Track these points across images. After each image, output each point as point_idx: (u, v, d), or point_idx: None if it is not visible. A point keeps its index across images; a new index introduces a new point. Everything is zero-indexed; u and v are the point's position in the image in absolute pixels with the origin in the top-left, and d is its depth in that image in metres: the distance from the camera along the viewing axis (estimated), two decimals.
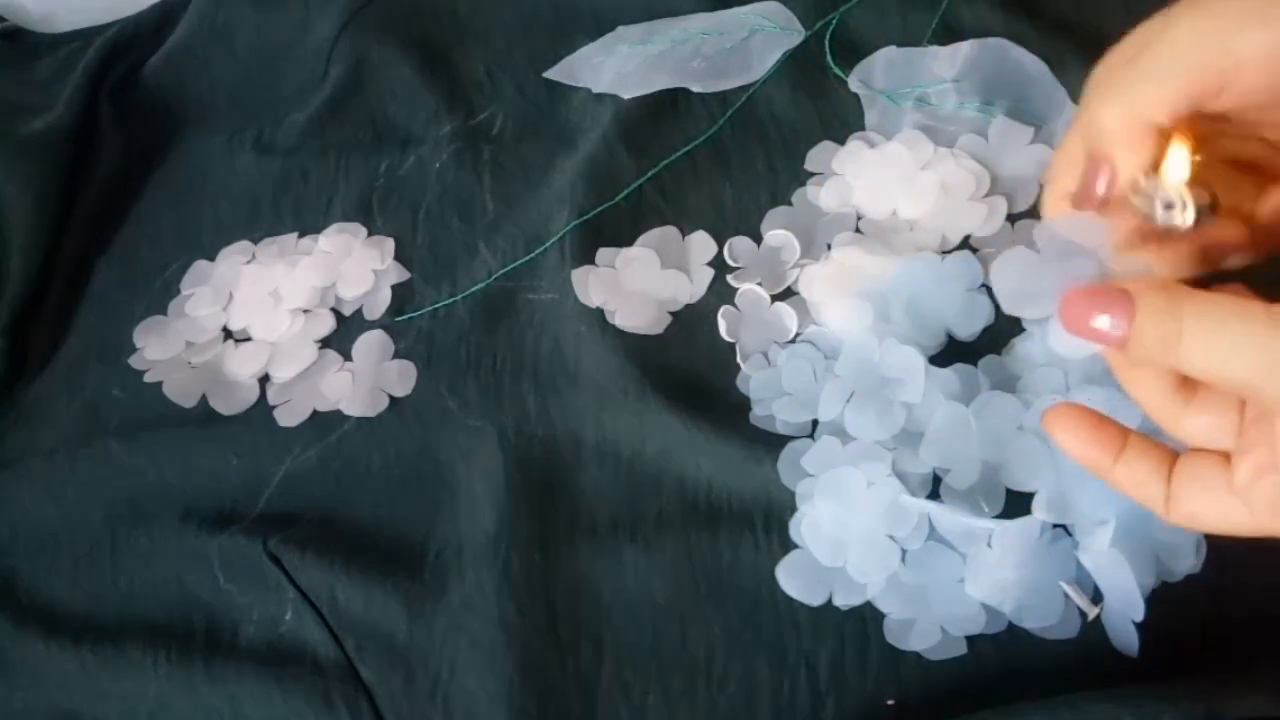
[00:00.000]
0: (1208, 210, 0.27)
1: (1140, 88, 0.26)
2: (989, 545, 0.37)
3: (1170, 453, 0.28)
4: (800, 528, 0.39)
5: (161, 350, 0.51)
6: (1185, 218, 0.26)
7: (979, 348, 0.43)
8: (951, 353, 0.43)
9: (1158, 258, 0.28)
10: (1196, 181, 0.27)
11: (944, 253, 0.45)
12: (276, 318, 0.50)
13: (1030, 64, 0.50)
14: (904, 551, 0.38)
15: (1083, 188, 0.28)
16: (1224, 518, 0.26)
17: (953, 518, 0.38)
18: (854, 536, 0.38)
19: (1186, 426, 0.27)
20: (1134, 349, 0.24)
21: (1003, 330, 0.43)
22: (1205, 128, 0.30)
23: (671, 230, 0.49)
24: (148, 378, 0.50)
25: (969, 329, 0.43)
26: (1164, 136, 0.27)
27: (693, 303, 0.47)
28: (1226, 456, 0.27)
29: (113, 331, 0.52)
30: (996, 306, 0.43)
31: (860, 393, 0.41)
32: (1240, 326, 0.23)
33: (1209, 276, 0.28)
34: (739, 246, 0.47)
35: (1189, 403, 0.27)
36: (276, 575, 0.42)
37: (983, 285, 0.44)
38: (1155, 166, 0.27)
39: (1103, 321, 0.25)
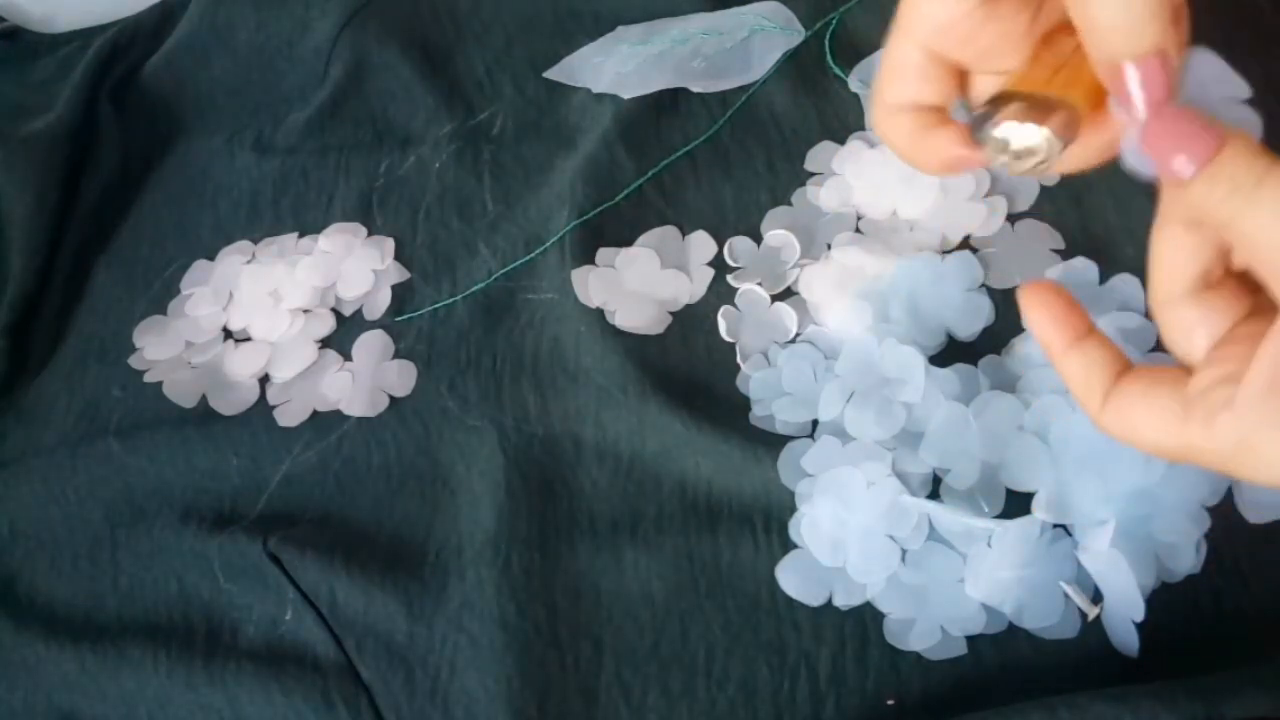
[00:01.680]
0: (1063, 135, 0.25)
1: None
2: (989, 545, 0.37)
3: (1125, 360, 0.27)
4: (800, 528, 0.39)
5: (161, 350, 0.51)
6: (1046, 166, 0.25)
7: (979, 348, 0.43)
8: (951, 353, 0.43)
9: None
10: (1037, 104, 0.25)
11: (944, 252, 0.45)
12: (276, 318, 0.50)
13: None
14: (904, 551, 0.38)
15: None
16: (1154, 423, 0.26)
17: (953, 518, 0.38)
18: (854, 536, 0.38)
19: (1176, 320, 0.26)
20: (1200, 184, 0.23)
21: (1003, 330, 0.43)
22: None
23: (671, 230, 0.49)
24: (148, 378, 0.50)
25: (969, 329, 0.43)
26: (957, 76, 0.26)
27: (693, 303, 0.47)
28: (1184, 373, 0.26)
29: (113, 331, 0.52)
30: (996, 306, 0.43)
31: (860, 393, 0.41)
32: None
33: None
34: (739, 246, 0.47)
35: (1196, 299, 0.26)
36: (276, 575, 0.42)
37: (983, 285, 0.44)
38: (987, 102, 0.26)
39: (1185, 153, 0.23)
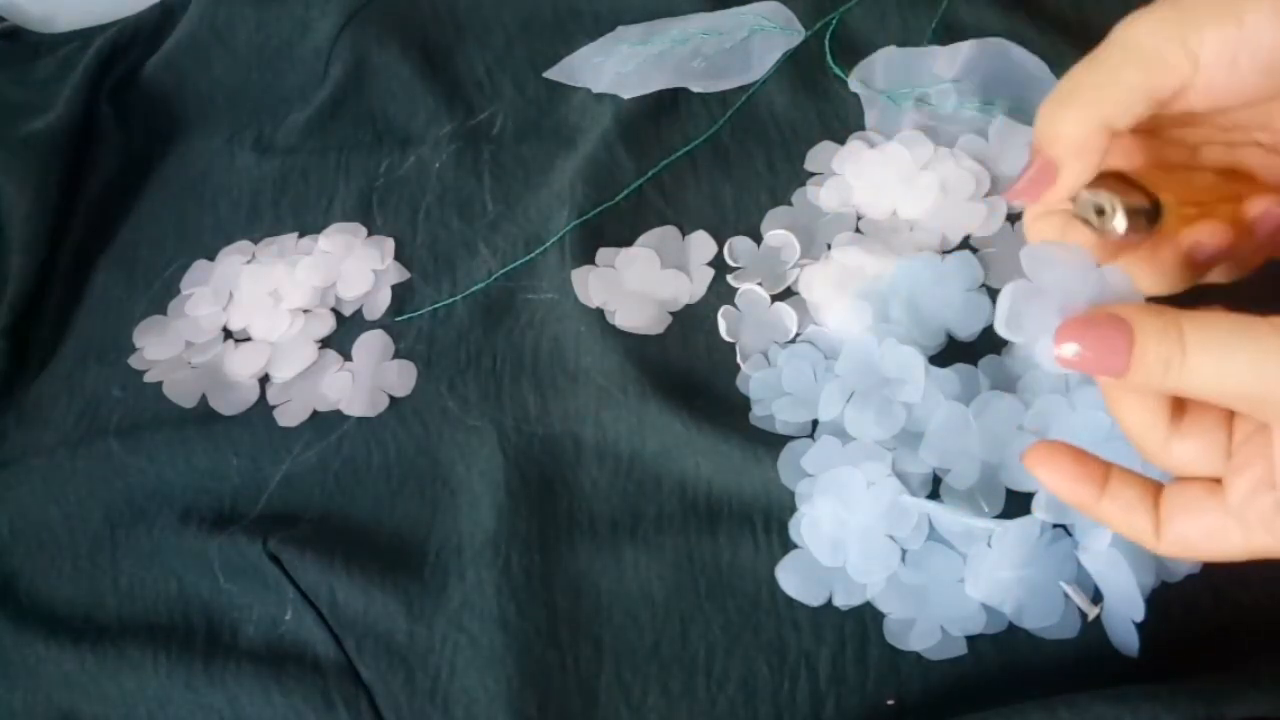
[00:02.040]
0: (1144, 215, 0.26)
1: (1094, 91, 0.26)
2: (989, 545, 0.37)
3: (1154, 484, 0.27)
4: (800, 528, 0.39)
5: (161, 350, 0.51)
6: (1115, 224, 0.26)
7: (979, 348, 0.43)
8: (951, 353, 0.43)
9: (1140, 268, 0.27)
10: (1132, 187, 0.26)
11: (944, 252, 0.45)
12: (276, 318, 0.50)
13: (1030, 64, 0.50)
14: (904, 551, 0.38)
15: (1023, 188, 0.27)
16: (1217, 540, 0.26)
17: (953, 518, 0.38)
18: (854, 536, 0.38)
19: (1174, 453, 0.27)
20: (1134, 375, 0.24)
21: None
22: (1185, 133, 0.29)
23: (671, 230, 0.49)
24: (148, 378, 0.50)
25: (969, 329, 0.43)
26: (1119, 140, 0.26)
27: (693, 303, 0.47)
28: (1214, 482, 0.26)
29: (112, 331, 0.52)
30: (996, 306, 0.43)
31: (860, 393, 0.41)
32: (1244, 341, 0.23)
33: (1190, 297, 0.27)
34: (739, 246, 0.47)
35: (1177, 429, 0.26)
36: (276, 575, 0.42)
37: (983, 285, 0.44)
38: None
39: (1101, 360, 0.24)
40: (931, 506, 0.38)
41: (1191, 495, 0.26)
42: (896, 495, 0.38)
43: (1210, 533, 0.26)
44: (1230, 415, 0.26)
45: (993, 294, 0.43)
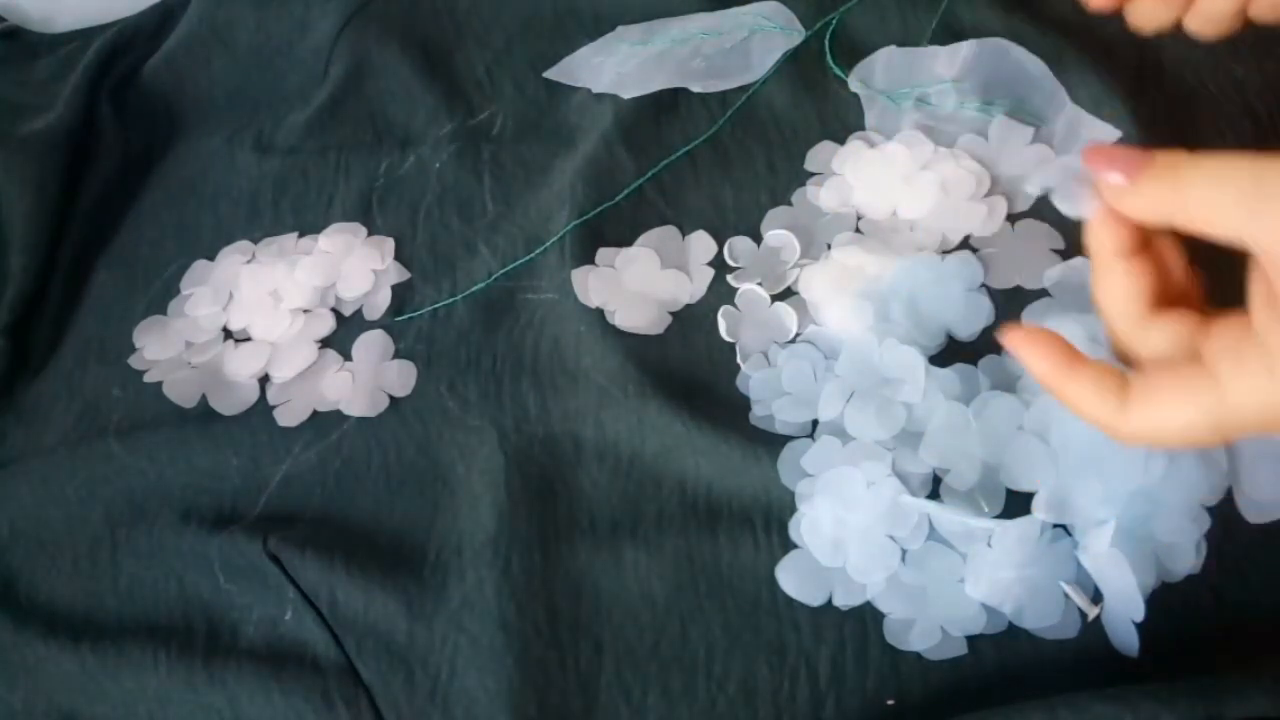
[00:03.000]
0: None
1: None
2: (989, 545, 0.37)
3: (1124, 375, 0.28)
4: (800, 528, 0.39)
5: (161, 350, 0.51)
6: None
7: (979, 348, 0.43)
8: (951, 353, 0.43)
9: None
10: None
11: (944, 252, 0.45)
12: (276, 318, 0.50)
13: (1030, 64, 0.50)
14: (904, 551, 0.38)
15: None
16: (1185, 401, 0.26)
17: (953, 517, 0.38)
18: (854, 536, 0.38)
19: (1149, 339, 0.28)
20: (1141, 194, 0.26)
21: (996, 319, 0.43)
22: None
23: (671, 230, 0.49)
24: (147, 378, 0.50)
25: (969, 329, 0.43)
26: None
27: (693, 303, 0.47)
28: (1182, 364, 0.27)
29: (112, 331, 0.52)
30: (996, 306, 0.43)
31: (860, 393, 0.41)
32: (1234, 172, 0.25)
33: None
34: (739, 246, 0.47)
35: (1154, 318, 0.28)
36: (276, 575, 0.42)
37: (983, 285, 0.44)
38: None
39: (1119, 169, 0.26)
40: (931, 506, 0.38)
41: (1159, 373, 0.27)
42: (896, 495, 0.38)
43: (1178, 392, 0.26)
44: (1206, 322, 0.27)
45: (993, 294, 0.43)
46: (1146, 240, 0.28)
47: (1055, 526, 0.37)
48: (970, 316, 0.43)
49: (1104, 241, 0.28)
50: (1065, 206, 0.28)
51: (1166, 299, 0.28)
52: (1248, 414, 0.25)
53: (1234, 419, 0.26)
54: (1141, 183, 0.26)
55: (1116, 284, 0.28)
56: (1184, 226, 0.26)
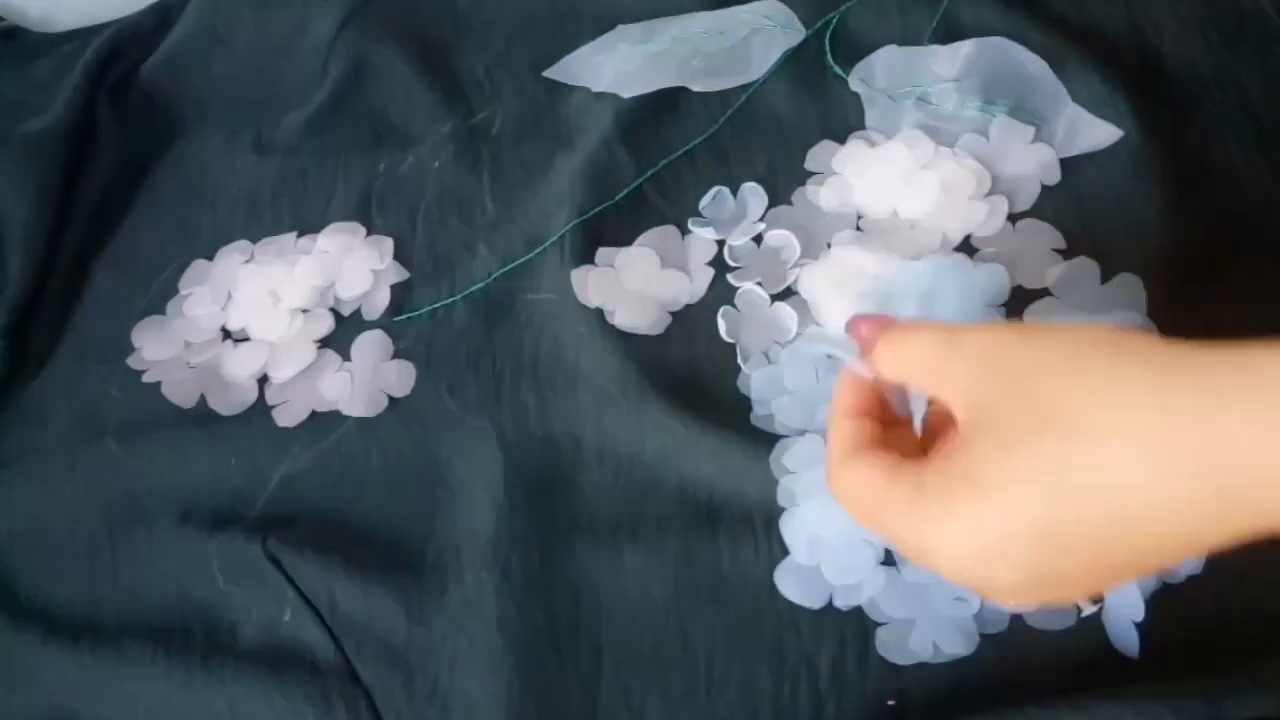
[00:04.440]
0: None
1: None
2: None
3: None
4: (783, 526, 0.39)
5: (160, 350, 0.51)
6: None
7: None
8: None
9: None
10: None
11: (957, 254, 0.44)
12: (275, 318, 0.50)
13: (1031, 63, 0.50)
14: (888, 552, 0.38)
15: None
16: (865, 480, 0.29)
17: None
18: (833, 537, 0.38)
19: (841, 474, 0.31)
20: (875, 360, 0.31)
21: None
22: None
23: (671, 230, 0.49)
24: (146, 378, 0.50)
25: None
26: None
27: (693, 303, 0.47)
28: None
29: (111, 331, 0.52)
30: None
31: None
32: (916, 339, 0.29)
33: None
34: (739, 246, 0.47)
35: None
36: (275, 575, 0.42)
37: (1003, 305, 0.43)
38: None
39: (860, 329, 0.31)
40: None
41: (884, 459, 0.30)
42: None
43: (867, 471, 0.29)
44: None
45: (1007, 314, 0.43)
46: (877, 401, 0.32)
47: None
48: None
49: (837, 398, 0.32)
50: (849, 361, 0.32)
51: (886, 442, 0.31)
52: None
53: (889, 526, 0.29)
54: (874, 351, 0.30)
55: (837, 431, 0.31)
56: (912, 385, 0.31)
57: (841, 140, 0.50)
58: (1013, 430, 0.26)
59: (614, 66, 0.55)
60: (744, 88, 0.53)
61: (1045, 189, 0.46)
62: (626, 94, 0.53)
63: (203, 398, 0.48)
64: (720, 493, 0.41)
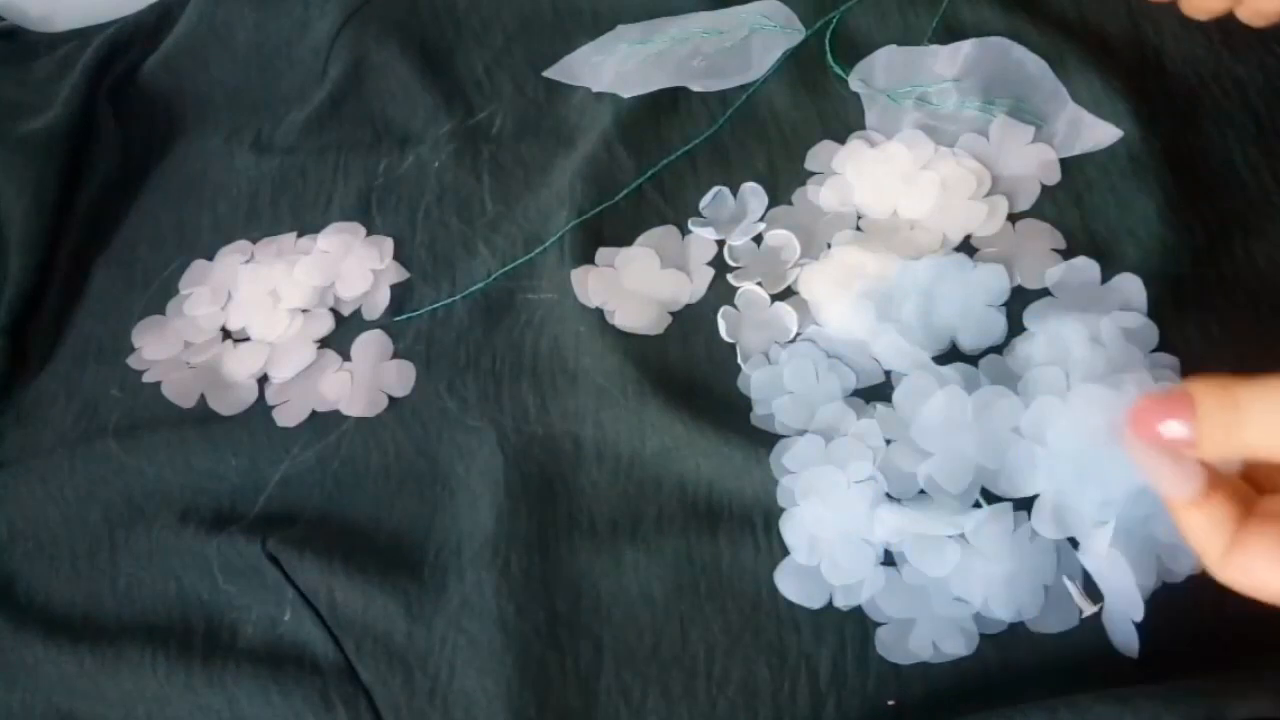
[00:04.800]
0: None
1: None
2: (987, 545, 0.37)
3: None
4: (784, 526, 0.39)
5: (160, 350, 0.51)
6: None
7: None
8: (952, 352, 0.42)
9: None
10: None
11: (955, 254, 0.44)
12: (275, 317, 0.50)
13: (1031, 63, 0.50)
14: (899, 553, 0.38)
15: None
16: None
17: (941, 518, 0.37)
18: (833, 537, 0.38)
19: (1233, 563, 0.28)
20: (1202, 443, 0.26)
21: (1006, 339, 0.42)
22: None
23: (671, 230, 0.49)
24: (146, 378, 0.50)
25: (976, 343, 0.42)
26: None
27: (693, 303, 0.47)
28: None
29: (111, 331, 0.52)
30: (1010, 327, 0.42)
31: (860, 391, 0.41)
32: (1248, 404, 0.25)
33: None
34: (739, 246, 0.47)
35: (1238, 543, 0.27)
36: (275, 575, 0.42)
37: (1004, 304, 0.43)
38: None
39: (1171, 427, 0.26)
40: (919, 507, 0.38)
41: (1264, 530, 0.27)
42: (878, 496, 0.38)
43: (1271, 561, 0.26)
44: None
45: (1009, 313, 0.42)
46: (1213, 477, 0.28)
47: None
48: (983, 332, 0.42)
49: (1175, 491, 0.28)
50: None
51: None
52: None
53: None
54: (1200, 437, 0.26)
55: (1195, 523, 0.28)
56: (1251, 458, 0.26)
57: (841, 140, 0.50)
58: None
59: (614, 66, 0.55)
60: (744, 88, 0.53)
61: (1045, 189, 0.46)
62: (626, 94, 0.53)
63: (203, 398, 0.48)
64: (720, 492, 0.41)
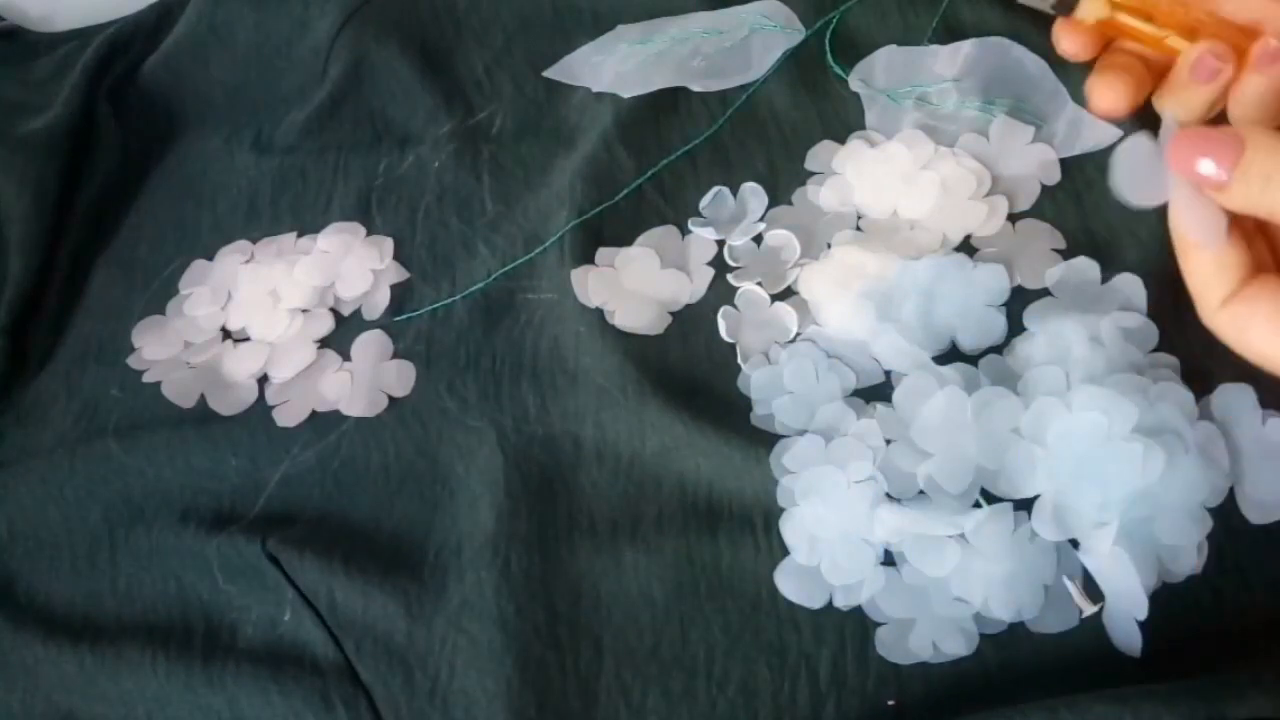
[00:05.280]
0: None
1: None
2: (985, 545, 0.37)
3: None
4: (783, 526, 0.39)
5: (160, 350, 0.51)
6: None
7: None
8: (952, 352, 0.42)
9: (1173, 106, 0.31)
10: None
11: (956, 254, 0.44)
12: (275, 317, 0.50)
13: (1031, 63, 0.50)
14: (899, 553, 0.38)
15: None
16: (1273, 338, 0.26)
17: (940, 519, 0.37)
18: (833, 537, 0.38)
19: (1222, 316, 0.27)
20: (1234, 186, 0.25)
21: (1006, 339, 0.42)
22: None
23: (671, 230, 0.49)
24: (146, 378, 0.50)
25: (976, 343, 0.42)
26: None
27: (693, 303, 0.47)
28: None
29: (111, 331, 0.52)
30: (1010, 327, 0.42)
31: (860, 391, 0.41)
32: None
33: None
34: (739, 246, 0.47)
35: (1238, 295, 0.27)
36: (275, 575, 0.42)
37: (1004, 304, 0.43)
38: None
39: (1208, 165, 0.25)
40: (918, 507, 0.38)
41: (1270, 290, 0.26)
42: (877, 496, 0.38)
43: (1270, 326, 0.26)
44: None
45: (1009, 313, 0.42)
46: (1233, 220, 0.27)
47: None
48: (983, 332, 0.42)
49: (1187, 227, 0.27)
50: (1128, 192, 0.27)
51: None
52: None
53: None
54: (1236, 176, 0.25)
55: (1198, 267, 0.27)
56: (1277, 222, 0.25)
57: (841, 140, 0.50)
58: None
59: (614, 66, 0.55)
60: (744, 88, 0.53)
61: (1045, 189, 0.46)
62: (626, 94, 0.53)
63: (203, 398, 0.48)
64: (720, 492, 0.41)
